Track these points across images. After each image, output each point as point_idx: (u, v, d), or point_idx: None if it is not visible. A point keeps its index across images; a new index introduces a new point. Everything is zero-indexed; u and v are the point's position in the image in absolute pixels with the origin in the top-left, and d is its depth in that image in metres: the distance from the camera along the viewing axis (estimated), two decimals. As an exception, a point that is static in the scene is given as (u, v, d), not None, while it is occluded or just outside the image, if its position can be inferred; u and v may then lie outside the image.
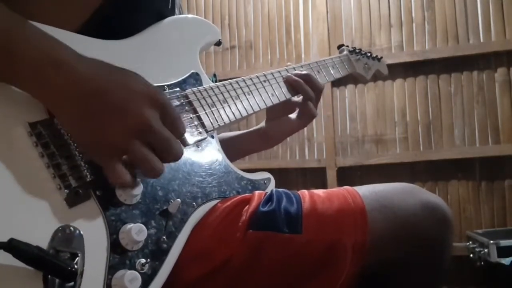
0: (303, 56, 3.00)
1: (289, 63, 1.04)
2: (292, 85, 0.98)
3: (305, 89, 0.99)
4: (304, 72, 1.01)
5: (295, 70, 1.02)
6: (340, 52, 1.25)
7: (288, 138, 1.09)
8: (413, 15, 2.79)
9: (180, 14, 0.96)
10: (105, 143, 0.57)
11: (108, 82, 0.58)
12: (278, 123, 1.04)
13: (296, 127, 1.02)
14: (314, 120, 1.06)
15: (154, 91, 0.61)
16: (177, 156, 0.62)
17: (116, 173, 0.58)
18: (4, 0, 0.57)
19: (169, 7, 0.88)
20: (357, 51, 1.26)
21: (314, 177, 2.92)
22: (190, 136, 0.73)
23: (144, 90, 0.60)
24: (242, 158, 1.09)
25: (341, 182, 2.79)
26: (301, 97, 1.01)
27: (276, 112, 1.03)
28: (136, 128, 0.57)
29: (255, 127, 1.09)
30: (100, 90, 0.57)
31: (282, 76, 0.98)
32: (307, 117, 1.01)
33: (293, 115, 1.03)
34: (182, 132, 0.64)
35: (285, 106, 1.02)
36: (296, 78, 0.98)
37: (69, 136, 0.60)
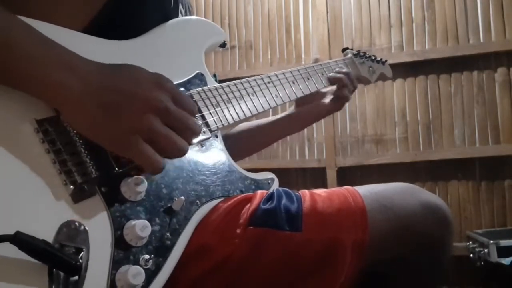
0: (303, 56, 3.01)
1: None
2: (337, 79, 1.12)
3: (344, 83, 1.13)
4: (345, 70, 1.16)
5: (299, 72, 1.05)
6: (345, 55, 1.26)
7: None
8: (413, 15, 2.79)
9: (188, 12, 0.97)
10: (128, 131, 0.58)
11: (116, 77, 0.61)
12: (312, 107, 1.15)
13: (330, 109, 1.15)
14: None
15: (160, 77, 0.63)
16: (197, 131, 0.64)
17: (151, 159, 0.59)
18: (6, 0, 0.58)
19: (172, 5, 0.89)
20: (362, 54, 1.27)
21: (314, 177, 2.93)
22: None
23: (151, 76, 0.63)
24: (242, 159, 1.11)
25: (341, 182, 2.79)
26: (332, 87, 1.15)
27: (306, 99, 1.13)
28: (152, 109, 0.59)
29: (282, 114, 1.18)
30: (111, 84, 0.59)
31: (286, 77, 1.00)
32: (342, 101, 1.15)
33: (325, 100, 1.16)
34: (195, 110, 0.66)
35: (315, 96, 1.14)
36: (341, 76, 1.13)
37: (75, 133, 0.61)
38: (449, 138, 2.70)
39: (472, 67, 2.68)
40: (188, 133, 0.63)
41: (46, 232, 0.54)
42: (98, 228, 0.59)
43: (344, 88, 1.13)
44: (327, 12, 2.95)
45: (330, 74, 1.12)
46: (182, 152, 0.62)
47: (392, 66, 1.42)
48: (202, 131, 0.76)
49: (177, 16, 0.90)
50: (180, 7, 0.93)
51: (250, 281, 0.70)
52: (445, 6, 2.74)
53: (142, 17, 0.81)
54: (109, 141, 0.59)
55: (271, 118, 1.19)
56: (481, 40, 2.67)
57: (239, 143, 1.11)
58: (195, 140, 0.74)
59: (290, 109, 1.18)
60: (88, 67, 0.60)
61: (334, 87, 1.15)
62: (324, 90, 1.16)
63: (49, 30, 0.61)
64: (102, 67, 0.61)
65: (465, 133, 2.68)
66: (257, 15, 3.13)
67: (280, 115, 1.18)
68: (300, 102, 1.16)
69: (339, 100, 1.15)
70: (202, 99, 0.80)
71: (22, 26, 0.59)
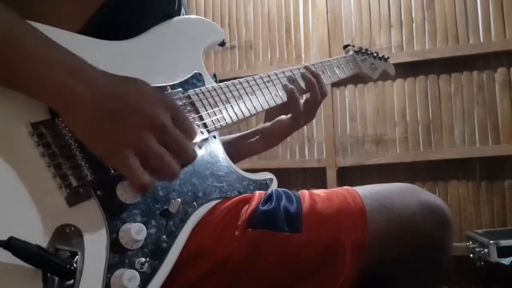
0: (303, 56, 3.00)
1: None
2: (306, 83, 1.00)
3: (316, 90, 1.00)
4: (317, 72, 1.02)
5: (299, 71, 1.02)
6: (346, 52, 1.24)
7: (288, 138, 1.10)
8: (413, 15, 2.79)
9: (185, 14, 0.96)
10: (123, 142, 0.57)
11: (121, 87, 0.60)
12: (275, 124, 1.04)
13: (293, 128, 1.03)
14: (314, 120, 1.06)
15: (164, 95, 0.64)
16: (192, 156, 0.63)
17: (136, 173, 0.57)
18: (5, 0, 0.58)
19: (175, 8, 0.88)
20: (363, 51, 1.25)
21: (314, 177, 2.92)
22: None
23: (154, 94, 0.62)
24: (241, 158, 1.09)
25: (341, 182, 2.79)
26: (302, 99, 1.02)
27: (275, 113, 1.04)
28: (151, 126, 0.58)
29: (253, 129, 1.09)
30: (115, 94, 0.59)
31: (286, 76, 0.99)
32: (306, 118, 1.02)
33: (288, 116, 1.03)
34: (194, 133, 0.65)
35: (284, 108, 1.02)
36: (311, 78, 1.00)
37: (70, 136, 0.61)
38: (449, 138, 2.70)
39: (472, 67, 2.68)
40: (183, 156, 0.62)
41: (40, 236, 0.54)
42: (94, 232, 0.59)
43: (311, 103, 1.01)
44: (327, 12, 2.94)
45: (304, 71, 1.01)
46: (173, 175, 0.61)
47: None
48: (200, 131, 0.76)
49: (179, 16, 0.90)
50: (183, 10, 0.93)
51: (250, 283, 0.70)
52: (445, 6, 2.74)
53: (141, 19, 0.80)
54: (102, 148, 0.59)
55: (243, 132, 1.11)
56: (481, 40, 2.66)
57: None
58: (196, 138, 0.73)
59: (260, 124, 1.09)
60: (93, 73, 0.60)
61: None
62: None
63: (48, 32, 0.61)
64: (107, 75, 0.61)
65: (465, 133, 2.67)
66: (257, 15, 3.12)
67: (250, 130, 1.10)
68: (269, 117, 1.07)
69: (302, 117, 1.01)
70: (200, 100, 0.79)
71: (27, 27, 0.59)
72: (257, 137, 1.07)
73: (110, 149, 0.58)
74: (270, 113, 1.05)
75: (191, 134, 0.64)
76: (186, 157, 0.62)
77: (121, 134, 0.57)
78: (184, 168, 0.63)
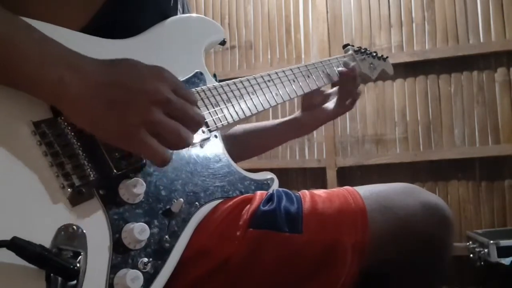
0: (303, 56, 3.00)
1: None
2: (347, 73, 1.09)
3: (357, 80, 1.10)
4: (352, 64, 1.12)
5: (300, 70, 1.04)
6: (345, 52, 1.25)
7: None
8: (413, 15, 2.79)
9: (185, 11, 0.96)
10: (133, 125, 0.57)
11: (117, 70, 0.61)
12: (318, 111, 1.13)
13: (340, 111, 1.12)
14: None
15: (160, 69, 0.63)
16: (200, 120, 0.65)
17: (157, 151, 0.59)
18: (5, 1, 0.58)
19: (171, 4, 0.88)
20: (363, 50, 1.25)
21: (314, 177, 2.92)
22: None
23: (151, 70, 0.62)
24: (245, 159, 1.10)
25: (341, 182, 2.79)
26: (336, 88, 1.13)
27: (312, 102, 1.13)
28: (154, 101, 0.59)
29: (287, 118, 1.17)
30: (111, 80, 0.59)
31: (286, 75, 0.99)
32: (353, 99, 1.12)
33: (328, 105, 1.13)
34: (195, 100, 0.66)
35: (321, 98, 1.13)
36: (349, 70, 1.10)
37: (73, 135, 0.60)
38: (449, 138, 2.70)
39: (472, 67, 2.68)
40: (191, 122, 0.63)
41: (43, 236, 0.54)
42: (96, 232, 0.59)
43: (352, 84, 1.11)
44: (327, 12, 2.94)
45: (340, 69, 1.11)
46: (187, 142, 0.62)
47: (392, 66, 1.42)
48: (201, 131, 0.76)
49: (176, 14, 0.90)
50: (179, 6, 0.93)
51: (250, 283, 0.70)
52: (445, 6, 2.74)
53: (140, 19, 0.80)
54: (115, 137, 0.59)
55: (277, 120, 1.18)
56: (481, 40, 2.66)
57: (244, 144, 1.10)
58: (197, 138, 0.73)
59: (297, 112, 1.17)
60: (89, 66, 0.60)
61: (336, 89, 1.13)
62: (328, 91, 1.15)
63: (47, 29, 0.61)
64: (103, 63, 0.61)
65: (465, 133, 2.67)
66: (257, 15, 3.12)
67: (287, 118, 1.17)
68: (306, 105, 1.14)
69: (349, 99, 1.12)
70: (201, 99, 0.79)
71: (21, 24, 0.59)
72: (295, 124, 1.15)
73: (122, 135, 0.58)
74: (307, 102, 1.13)
75: (192, 101, 0.65)
76: (194, 122, 0.63)
77: (127, 119, 0.57)
78: (195, 132, 0.65)
